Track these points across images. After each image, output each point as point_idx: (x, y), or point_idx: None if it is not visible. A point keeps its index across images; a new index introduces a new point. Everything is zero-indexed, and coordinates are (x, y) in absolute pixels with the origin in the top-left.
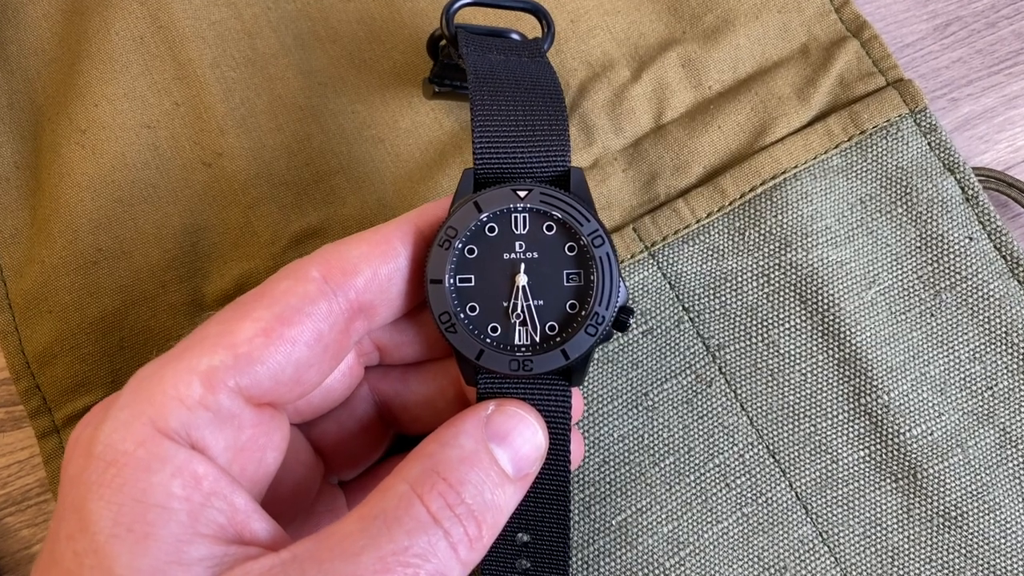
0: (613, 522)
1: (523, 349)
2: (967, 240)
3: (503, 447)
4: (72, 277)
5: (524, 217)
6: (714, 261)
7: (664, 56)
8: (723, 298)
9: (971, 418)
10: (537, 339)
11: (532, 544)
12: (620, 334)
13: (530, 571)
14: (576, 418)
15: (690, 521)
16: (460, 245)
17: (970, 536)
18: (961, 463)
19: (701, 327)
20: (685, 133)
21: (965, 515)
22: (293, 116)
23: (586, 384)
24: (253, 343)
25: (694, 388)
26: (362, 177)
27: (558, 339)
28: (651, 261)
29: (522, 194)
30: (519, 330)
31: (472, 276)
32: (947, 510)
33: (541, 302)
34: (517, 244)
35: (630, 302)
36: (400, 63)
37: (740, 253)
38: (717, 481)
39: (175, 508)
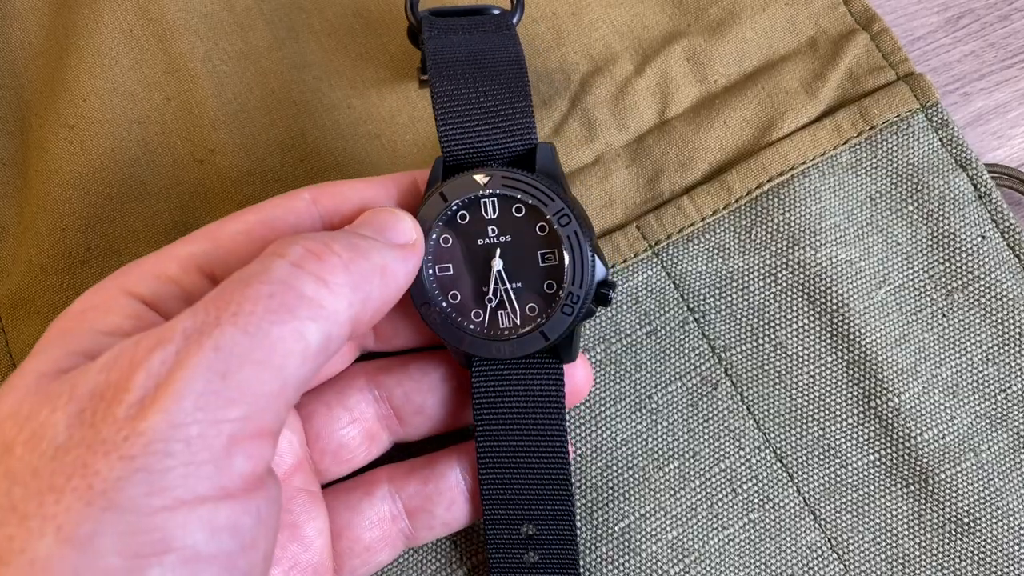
0: (616, 528)
1: (505, 333)
2: (980, 239)
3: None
4: (60, 277)
5: (493, 201)
6: (720, 260)
7: (668, 49)
8: (729, 298)
9: (984, 421)
10: (518, 322)
11: (539, 536)
12: (604, 308)
13: (539, 565)
14: (583, 389)
15: (695, 527)
16: (435, 235)
17: (983, 543)
18: (974, 468)
19: (706, 328)
20: (690, 129)
21: (978, 521)
22: (287, 111)
23: None
24: (235, 239)
25: (699, 390)
26: (358, 174)
27: (538, 320)
28: (655, 260)
29: (483, 180)
30: (500, 314)
31: (450, 264)
32: (959, 516)
33: (519, 284)
34: (490, 229)
35: (633, 296)
36: (397, 56)
37: (747, 252)
38: (723, 486)
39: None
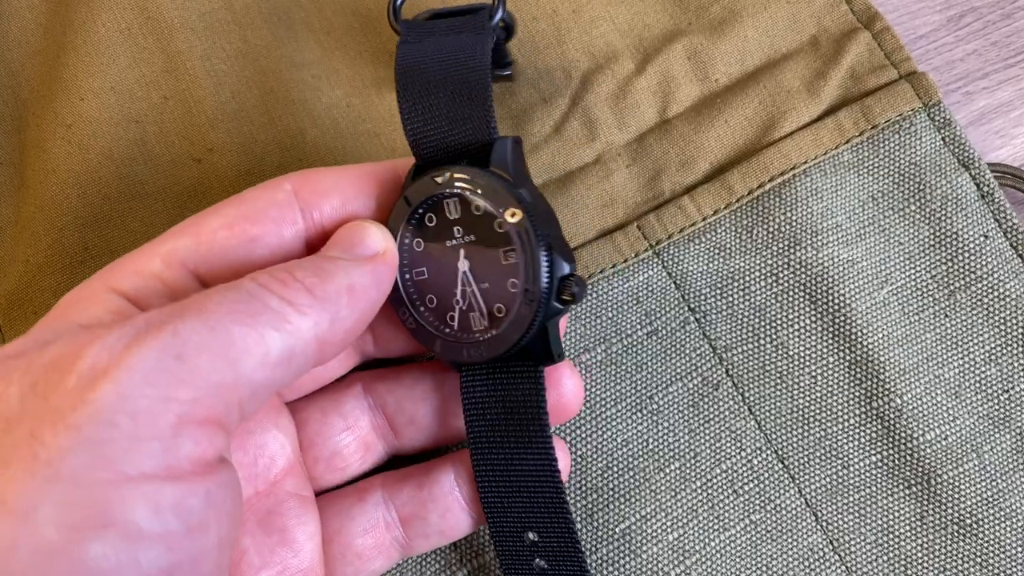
0: (616, 530)
1: (476, 335)
2: (982, 238)
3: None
4: (58, 277)
5: (455, 202)
6: (721, 260)
7: (669, 48)
8: (730, 298)
9: (987, 422)
10: (486, 323)
11: (542, 543)
12: (575, 305)
13: (548, 572)
14: (572, 402)
15: (696, 529)
16: (406, 240)
17: (985, 544)
18: (976, 469)
19: (707, 328)
20: (691, 128)
21: (981, 523)
22: (286, 110)
23: (589, 387)
24: (217, 233)
25: (700, 391)
26: None
27: (504, 321)
28: (656, 260)
29: (440, 180)
30: (471, 316)
31: (424, 268)
32: (962, 517)
33: (486, 284)
34: (455, 230)
35: (633, 296)
36: None
37: (748, 252)
38: (724, 487)
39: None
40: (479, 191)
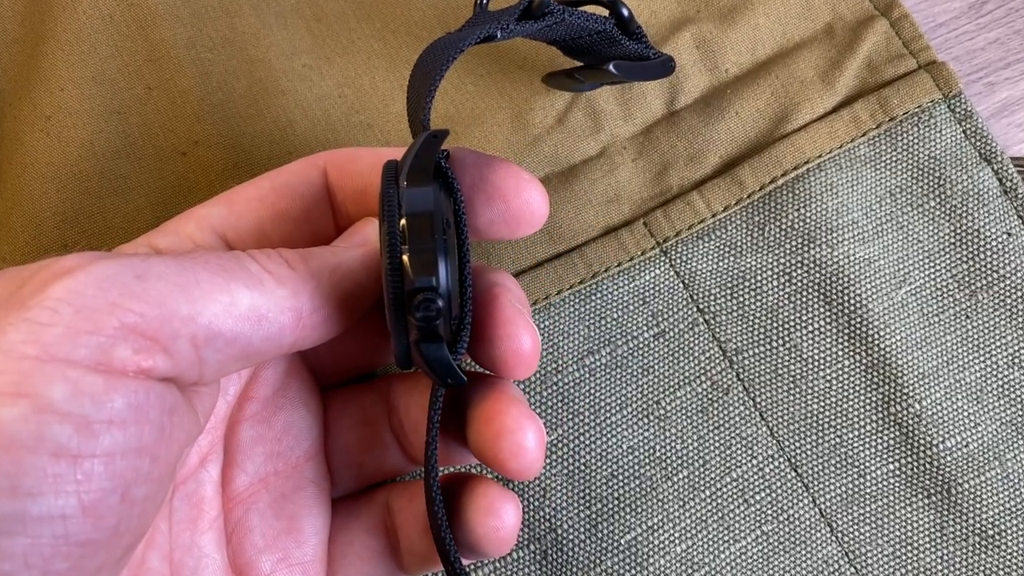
0: (622, 541)
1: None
2: (1005, 236)
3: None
4: None
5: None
6: (731, 258)
7: (677, 37)
8: (741, 298)
9: (1010, 429)
10: None
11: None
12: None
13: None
14: (530, 355)
15: (706, 540)
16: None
17: (1009, 557)
18: (999, 477)
19: (717, 330)
20: (700, 120)
21: (1003, 533)
22: (275, 101)
23: (593, 391)
24: (248, 203)
25: (710, 396)
26: None
27: None
28: (663, 258)
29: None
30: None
31: None
32: (984, 528)
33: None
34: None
35: (640, 296)
36: (391, 43)
37: (759, 250)
38: (735, 497)
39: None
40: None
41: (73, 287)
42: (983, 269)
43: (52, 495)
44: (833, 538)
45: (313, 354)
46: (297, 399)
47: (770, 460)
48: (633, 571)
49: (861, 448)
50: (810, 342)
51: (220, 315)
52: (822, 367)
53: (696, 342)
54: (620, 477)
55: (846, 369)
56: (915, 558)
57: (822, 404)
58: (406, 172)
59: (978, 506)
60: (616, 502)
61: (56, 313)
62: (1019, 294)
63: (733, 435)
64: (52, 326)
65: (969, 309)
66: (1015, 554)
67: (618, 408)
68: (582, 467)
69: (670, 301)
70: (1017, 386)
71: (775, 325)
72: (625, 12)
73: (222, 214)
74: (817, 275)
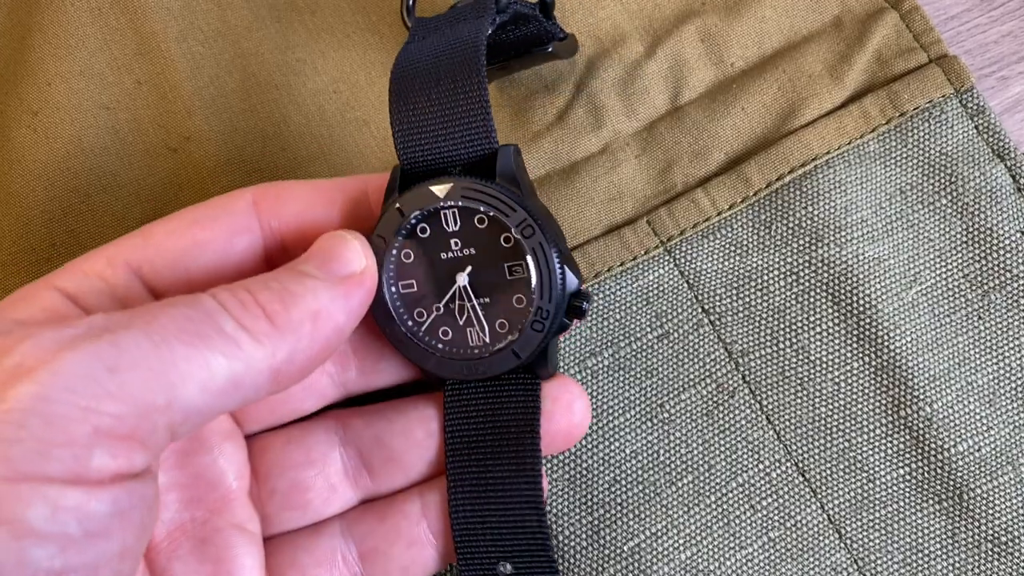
0: (625, 548)
1: (475, 351)
2: (1019, 234)
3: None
4: (23, 276)
5: (453, 213)
6: (737, 258)
7: (681, 30)
8: (747, 299)
9: (1023, 432)
10: (487, 340)
11: (517, 575)
12: (579, 321)
13: None
14: (579, 426)
15: (711, 547)
16: (395, 251)
17: (1022, 564)
18: (1012, 482)
19: (723, 331)
20: (705, 115)
21: (1017, 540)
22: (268, 96)
23: (595, 394)
24: (167, 237)
25: (715, 399)
26: (345, 163)
27: (509, 338)
28: (667, 258)
29: (441, 192)
30: (469, 332)
31: (413, 281)
32: (996, 535)
33: (487, 299)
34: (452, 242)
35: (643, 296)
36: (388, 37)
37: (766, 249)
38: (741, 502)
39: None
40: (490, 204)
41: (40, 393)
42: (996, 268)
43: None
44: (842, 545)
45: None
46: (209, 443)
47: (777, 465)
48: None
49: (870, 452)
50: (818, 343)
51: (197, 394)
52: (830, 369)
53: (701, 343)
54: (623, 482)
55: (855, 371)
56: (926, 565)
57: (830, 407)
58: (520, 181)
59: (991, 512)
60: (619, 508)
61: (22, 428)
62: None
63: (739, 439)
64: (21, 442)
65: (981, 310)
66: None
67: (621, 411)
68: (584, 472)
69: (674, 301)
70: None
71: (782, 326)
72: None
73: (136, 246)
74: (825, 275)
